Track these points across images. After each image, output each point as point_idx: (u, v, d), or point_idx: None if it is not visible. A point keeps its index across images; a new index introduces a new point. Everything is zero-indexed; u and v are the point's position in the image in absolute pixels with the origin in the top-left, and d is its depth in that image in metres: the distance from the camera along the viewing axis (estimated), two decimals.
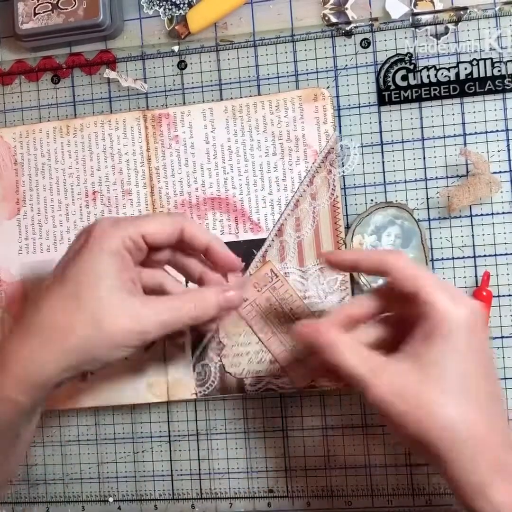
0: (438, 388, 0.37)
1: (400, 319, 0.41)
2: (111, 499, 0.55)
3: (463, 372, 0.37)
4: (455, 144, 0.50)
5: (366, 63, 0.52)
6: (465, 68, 0.50)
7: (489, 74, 0.50)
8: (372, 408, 0.39)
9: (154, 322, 0.41)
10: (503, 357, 0.50)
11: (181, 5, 0.54)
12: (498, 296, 0.50)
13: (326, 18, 0.52)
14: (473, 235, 0.50)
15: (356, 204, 0.52)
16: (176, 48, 0.54)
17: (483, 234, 0.50)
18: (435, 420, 0.36)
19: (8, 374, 0.40)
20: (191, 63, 0.54)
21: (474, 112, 0.50)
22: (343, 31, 0.52)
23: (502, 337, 0.50)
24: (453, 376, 0.37)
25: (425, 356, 0.37)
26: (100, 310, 0.40)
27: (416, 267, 0.40)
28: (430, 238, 0.51)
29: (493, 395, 0.38)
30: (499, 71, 0.50)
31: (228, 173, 0.53)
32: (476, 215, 0.50)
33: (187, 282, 0.49)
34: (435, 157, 0.51)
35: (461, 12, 0.50)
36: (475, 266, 0.50)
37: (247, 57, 0.53)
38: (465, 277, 0.50)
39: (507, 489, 0.36)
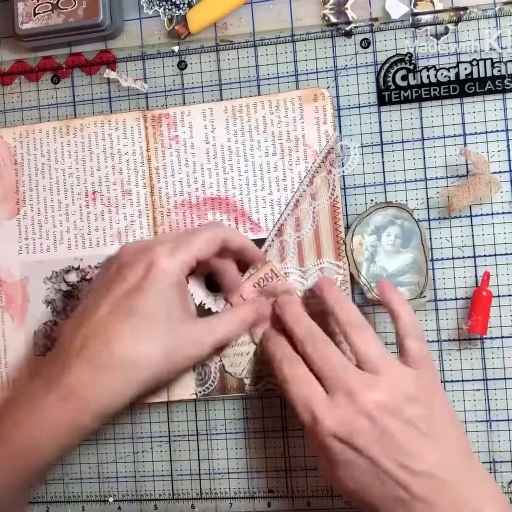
0: None
1: None
2: (111, 499, 0.55)
3: None
4: (455, 144, 0.50)
5: (366, 63, 0.52)
6: (465, 68, 0.50)
7: (489, 74, 0.50)
8: None
9: (211, 343, 0.46)
10: (503, 357, 0.50)
11: (181, 5, 0.54)
12: (498, 296, 0.50)
13: (326, 18, 0.52)
14: (473, 235, 0.50)
15: (356, 204, 0.52)
16: (176, 48, 0.54)
17: (483, 234, 0.50)
18: None
19: (85, 407, 0.42)
20: (191, 63, 0.54)
21: (474, 112, 0.50)
22: (343, 31, 0.52)
23: (502, 337, 0.50)
24: None
25: None
26: (172, 342, 0.44)
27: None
28: (430, 238, 0.51)
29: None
30: (499, 71, 0.50)
31: (228, 173, 0.53)
32: (476, 215, 0.50)
33: None
34: (435, 157, 0.51)
35: (461, 12, 0.50)
36: (475, 266, 0.50)
37: (247, 57, 0.53)
38: (465, 277, 0.50)
39: None
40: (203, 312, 0.52)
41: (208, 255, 0.46)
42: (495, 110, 0.50)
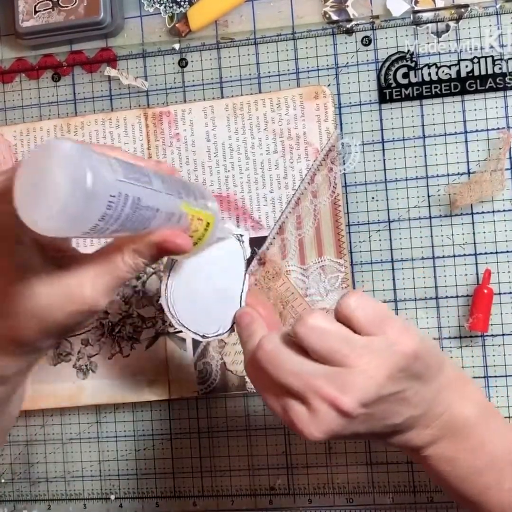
0: None
1: None
2: (112, 497, 0.55)
3: None
4: (456, 142, 0.50)
5: (367, 60, 0.52)
6: (466, 66, 0.50)
7: (490, 71, 0.50)
8: None
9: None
10: (504, 355, 0.50)
11: (182, 3, 0.54)
12: (499, 293, 0.50)
13: (327, 15, 0.52)
14: (474, 233, 0.50)
15: (357, 202, 0.52)
16: (176, 46, 0.54)
17: (484, 232, 0.50)
18: None
19: None
20: (191, 61, 0.54)
21: (475, 109, 0.50)
22: (344, 29, 0.52)
23: (502, 334, 0.50)
24: None
25: None
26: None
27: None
28: (432, 236, 0.51)
29: None
30: (500, 68, 0.50)
31: (229, 171, 0.53)
32: (477, 213, 0.50)
33: None
34: (436, 154, 0.51)
35: (462, 10, 0.50)
36: (476, 263, 0.50)
37: (248, 54, 0.53)
38: (466, 274, 0.50)
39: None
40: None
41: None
42: (496, 107, 0.50)
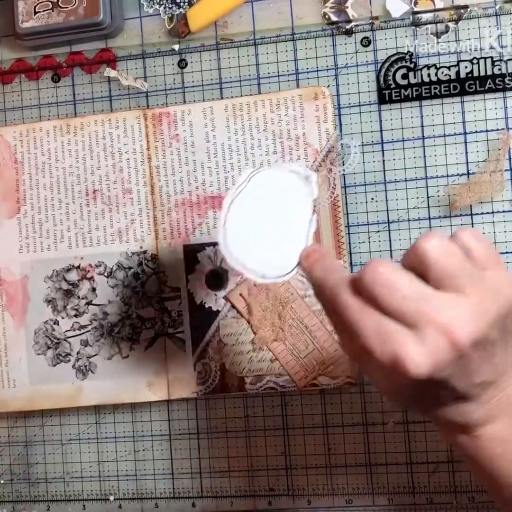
0: None
1: None
2: (112, 498, 0.55)
3: None
4: (455, 143, 0.51)
5: (367, 61, 0.52)
6: (466, 67, 0.50)
7: (489, 72, 0.50)
8: None
9: None
10: None
11: (182, 4, 0.54)
12: None
13: (327, 16, 0.52)
14: None
15: (356, 203, 0.52)
16: (176, 46, 0.54)
17: (483, 233, 0.50)
18: None
19: None
20: (191, 62, 0.54)
21: (475, 110, 0.50)
22: (344, 30, 0.52)
23: None
24: None
25: None
26: None
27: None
28: None
29: None
30: (499, 69, 0.50)
31: (228, 171, 0.53)
32: (477, 214, 0.50)
33: None
34: (435, 155, 0.51)
35: (462, 11, 0.50)
36: None
37: (248, 55, 0.53)
38: None
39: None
40: (202, 310, 0.52)
41: None
42: (496, 108, 0.50)
